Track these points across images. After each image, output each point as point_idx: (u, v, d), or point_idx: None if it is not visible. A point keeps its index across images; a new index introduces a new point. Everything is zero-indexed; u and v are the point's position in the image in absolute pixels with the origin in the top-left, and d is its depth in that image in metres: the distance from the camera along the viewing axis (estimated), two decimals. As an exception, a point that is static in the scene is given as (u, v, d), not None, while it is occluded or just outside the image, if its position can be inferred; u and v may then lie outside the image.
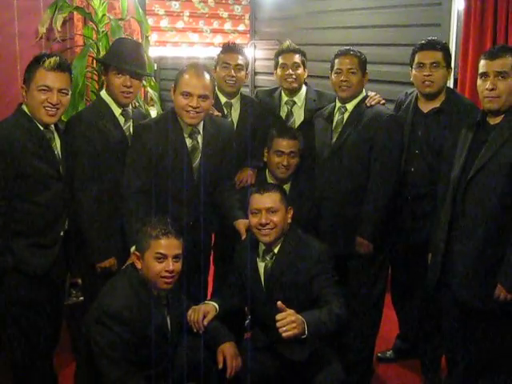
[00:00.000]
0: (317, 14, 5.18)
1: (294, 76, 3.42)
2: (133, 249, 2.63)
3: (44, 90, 2.61)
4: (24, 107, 2.67)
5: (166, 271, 2.45)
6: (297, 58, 3.44)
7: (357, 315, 3.06)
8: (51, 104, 2.62)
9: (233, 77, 3.37)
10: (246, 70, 3.47)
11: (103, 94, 2.98)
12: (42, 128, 2.67)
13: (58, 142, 2.76)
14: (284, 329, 2.27)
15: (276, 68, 3.50)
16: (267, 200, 2.67)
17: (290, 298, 2.57)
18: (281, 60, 3.46)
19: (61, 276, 2.91)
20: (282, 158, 3.09)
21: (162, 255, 2.46)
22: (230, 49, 3.45)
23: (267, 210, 2.66)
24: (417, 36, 3.56)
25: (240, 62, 3.40)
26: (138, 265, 2.50)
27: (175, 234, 2.50)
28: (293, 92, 3.49)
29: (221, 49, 3.51)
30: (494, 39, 3.74)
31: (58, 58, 2.65)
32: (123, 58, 2.87)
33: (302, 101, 3.50)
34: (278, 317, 2.30)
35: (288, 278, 2.66)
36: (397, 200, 3.10)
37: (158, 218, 2.57)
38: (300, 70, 3.45)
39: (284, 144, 3.10)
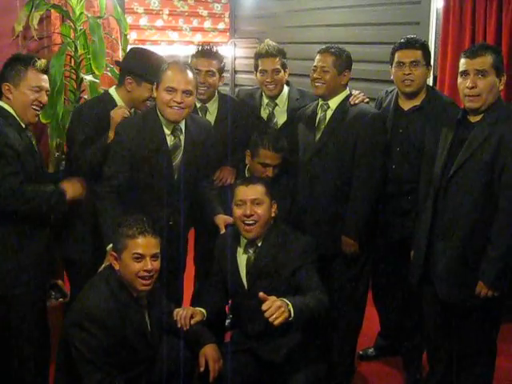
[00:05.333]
0: (297, 12, 5.19)
1: (273, 83, 3.38)
2: (109, 247, 2.60)
3: (37, 90, 2.67)
4: (4, 105, 2.66)
5: (145, 271, 2.41)
6: (276, 62, 3.37)
7: (340, 313, 3.06)
8: (41, 103, 2.70)
9: (203, 83, 3.26)
10: (221, 73, 3.39)
11: (112, 90, 3.03)
12: (23, 126, 2.70)
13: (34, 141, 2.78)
14: (274, 317, 2.25)
15: (256, 70, 3.46)
16: (252, 191, 2.69)
17: (272, 290, 2.55)
18: (260, 65, 3.40)
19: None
20: (267, 169, 3.07)
21: (139, 255, 2.41)
22: (200, 54, 3.35)
23: (252, 202, 2.67)
24: (396, 34, 3.56)
25: (211, 67, 3.30)
26: (116, 266, 2.47)
27: (152, 232, 2.46)
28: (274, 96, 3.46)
29: (193, 52, 3.42)
30: (472, 37, 3.78)
31: (45, 60, 2.74)
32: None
33: (284, 101, 3.46)
34: (265, 306, 2.27)
35: (271, 270, 2.66)
36: (379, 197, 3.10)
37: (134, 216, 2.52)
38: (280, 75, 3.39)
39: (270, 156, 3.05)
